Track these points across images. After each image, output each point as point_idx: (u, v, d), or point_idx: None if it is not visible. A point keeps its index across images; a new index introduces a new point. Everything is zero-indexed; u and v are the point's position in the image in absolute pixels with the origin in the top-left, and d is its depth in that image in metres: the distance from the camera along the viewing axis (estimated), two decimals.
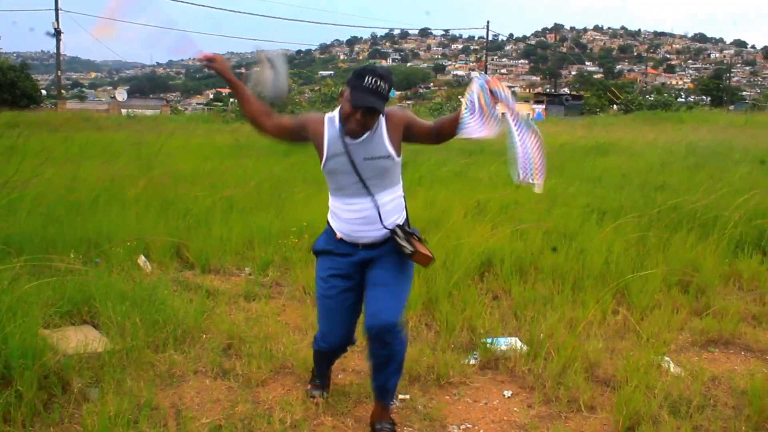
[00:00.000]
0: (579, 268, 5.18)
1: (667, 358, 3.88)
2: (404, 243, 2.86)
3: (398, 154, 2.88)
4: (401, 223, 2.96)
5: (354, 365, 3.83)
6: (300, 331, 4.27)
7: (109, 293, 4.26)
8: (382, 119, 2.84)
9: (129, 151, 11.71)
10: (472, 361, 3.86)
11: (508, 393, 3.54)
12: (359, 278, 3.02)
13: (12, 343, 3.29)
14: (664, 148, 15.35)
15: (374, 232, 2.93)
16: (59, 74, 44.65)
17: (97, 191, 7.31)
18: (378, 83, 2.67)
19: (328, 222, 3.06)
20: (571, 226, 6.38)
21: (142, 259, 5.63)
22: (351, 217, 2.92)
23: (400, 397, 3.44)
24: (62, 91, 48.07)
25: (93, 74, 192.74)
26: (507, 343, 3.96)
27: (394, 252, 2.94)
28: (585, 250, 5.45)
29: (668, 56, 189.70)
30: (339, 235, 2.98)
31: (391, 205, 2.94)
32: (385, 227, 2.91)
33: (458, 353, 3.93)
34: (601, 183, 9.34)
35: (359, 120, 2.71)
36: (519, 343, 3.97)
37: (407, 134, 2.90)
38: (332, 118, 2.89)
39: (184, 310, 4.27)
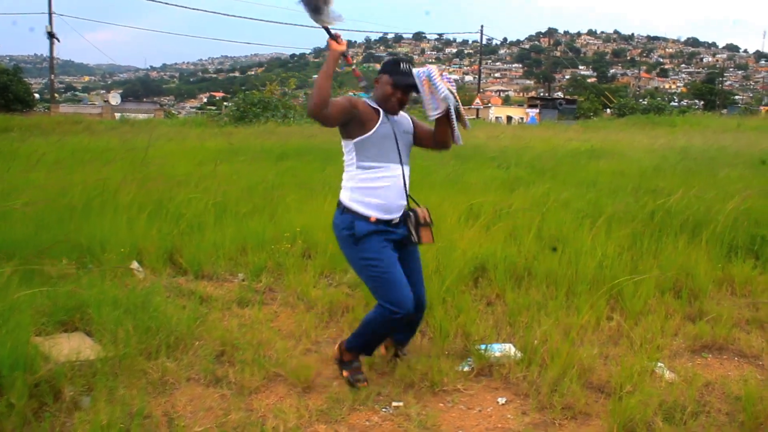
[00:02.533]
0: (573, 273, 5.17)
1: (660, 364, 3.88)
2: (413, 231, 3.48)
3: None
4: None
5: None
6: (293, 338, 4.26)
7: (102, 300, 4.23)
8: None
9: (122, 155, 11.66)
10: (466, 368, 3.84)
11: (502, 400, 3.53)
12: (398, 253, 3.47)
13: (2, 352, 3.27)
14: (658, 153, 15.39)
15: (399, 210, 3.46)
16: (52, 78, 44.56)
17: (89, 196, 7.27)
18: (410, 68, 3.40)
19: (353, 212, 3.40)
20: (565, 231, 6.37)
21: (135, 265, 5.61)
22: (385, 185, 3.38)
23: (394, 404, 3.43)
24: (55, 94, 47.94)
25: (86, 78, 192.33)
26: (501, 349, 3.95)
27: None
28: (578, 255, 5.45)
29: (661, 60, 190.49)
30: (373, 218, 3.37)
31: (407, 181, 3.50)
32: (406, 203, 3.50)
33: (452, 360, 3.91)
34: (595, 187, 9.34)
35: (399, 98, 3.42)
36: (513, 350, 3.97)
37: (416, 128, 3.61)
38: (368, 101, 3.47)
39: (177, 316, 4.24)
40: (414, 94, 3.46)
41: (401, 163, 3.45)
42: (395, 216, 3.43)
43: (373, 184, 3.37)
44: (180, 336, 4.04)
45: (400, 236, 3.47)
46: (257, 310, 4.69)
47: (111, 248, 5.63)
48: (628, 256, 5.65)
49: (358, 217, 3.37)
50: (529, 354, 3.90)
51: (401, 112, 3.55)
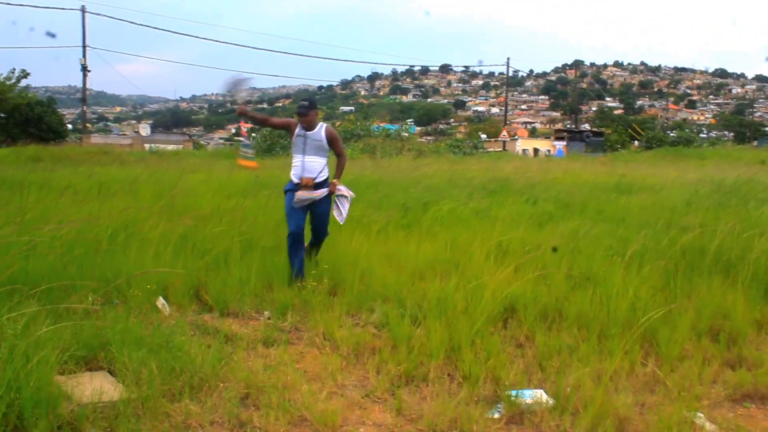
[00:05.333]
0: (604, 315, 5.03)
1: (700, 415, 3.72)
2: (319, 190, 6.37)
3: (328, 146, 6.42)
4: (324, 179, 6.38)
5: (375, 418, 3.71)
6: (319, 380, 4.17)
7: (126, 338, 4.18)
8: (324, 127, 6.45)
9: (150, 187, 11.75)
10: (497, 415, 3.72)
11: None
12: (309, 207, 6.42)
13: (26, 392, 3.24)
14: (688, 186, 15.14)
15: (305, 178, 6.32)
16: (84, 109, 45.44)
17: (115, 229, 7.28)
18: (301, 103, 6.46)
19: (290, 179, 6.44)
20: (595, 270, 6.22)
21: (160, 301, 5.57)
22: (297, 164, 6.35)
23: None
24: (88, 124, 48.89)
25: (118, 108, 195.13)
26: (532, 395, 3.83)
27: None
28: (610, 296, 5.30)
29: (689, 91, 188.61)
30: (295, 180, 6.33)
31: (315, 165, 6.32)
32: (314, 176, 6.32)
33: (482, 406, 3.79)
34: (625, 223, 9.16)
35: (301, 119, 6.36)
36: (545, 396, 3.84)
37: (331, 142, 6.45)
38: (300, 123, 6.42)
39: (202, 356, 4.17)
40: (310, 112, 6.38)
41: (304, 154, 6.30)
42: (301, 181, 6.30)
43: (294, 164, 6.40)
44: (204, 377, 3.97)
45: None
46: (283, 350, 4.61)
47: (137, 284, 5.59)
48: (661, 297, 5.50)
49: (290, 180, 6.42)
50: (562, 401, 3.77)
51: (321, 129, 6.40)
